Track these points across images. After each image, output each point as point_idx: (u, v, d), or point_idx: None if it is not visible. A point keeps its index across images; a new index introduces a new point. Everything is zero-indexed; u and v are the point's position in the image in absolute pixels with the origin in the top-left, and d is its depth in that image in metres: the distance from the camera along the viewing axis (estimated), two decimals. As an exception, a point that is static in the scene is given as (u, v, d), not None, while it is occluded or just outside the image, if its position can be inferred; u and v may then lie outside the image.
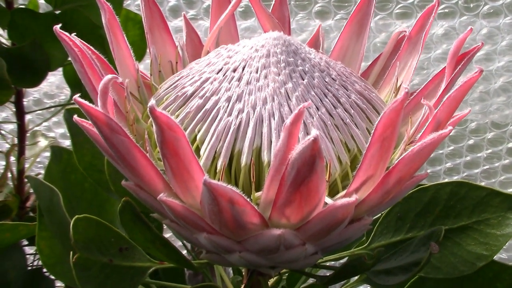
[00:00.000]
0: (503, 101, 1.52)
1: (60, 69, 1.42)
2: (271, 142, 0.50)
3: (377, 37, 1.51)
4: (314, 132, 0.38)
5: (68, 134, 0.86)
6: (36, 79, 1.39)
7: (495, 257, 0.69)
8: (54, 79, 1.91)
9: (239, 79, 0.53)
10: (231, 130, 0.50)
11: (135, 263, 0.66)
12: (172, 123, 0.41)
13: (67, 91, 1.91)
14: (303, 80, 0.53)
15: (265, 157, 0.50)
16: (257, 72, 0.53)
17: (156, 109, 0.39)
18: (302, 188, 0.42)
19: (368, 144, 0.45)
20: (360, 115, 0.54)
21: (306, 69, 0.54)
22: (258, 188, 0.51)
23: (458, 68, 0.56)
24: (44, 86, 1.86)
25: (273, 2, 0.72)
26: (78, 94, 0.44)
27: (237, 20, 0.71)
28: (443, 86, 0.57)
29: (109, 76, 0.44)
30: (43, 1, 1.35)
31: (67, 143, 2.10)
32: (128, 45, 0.63)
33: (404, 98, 0.42)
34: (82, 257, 0.60)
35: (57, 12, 1.31)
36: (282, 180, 0.43)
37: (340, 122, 0.52)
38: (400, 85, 0.62)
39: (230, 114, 0.51)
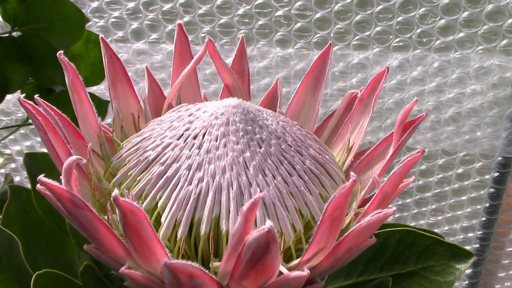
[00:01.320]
0: (452, 130, 1.59)
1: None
2: (229, 211, 0.52)
3: (335, 66, 1.56)
4: (268, 223, 0.41)
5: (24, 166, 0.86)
6: (-6, 102, 1.38)
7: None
8: (11, 97, 1.87)
9: (199, 147, 0.55)
10: (191, 199, 0.53)
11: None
12: (134, 208, 0.43)
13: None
14: (261, 148, 0.56)
15: (223, 226, 0.52)
16: (216, 141, 0.56)
17: (119, 198, 0.41)
18: (257, 266, 0.45)
19: (319, 221, 0.48)
20: (314, 180, 0.57)
21: (264, 136, 0.57)
22: (217, 254, 0.53)
23: (404, 136, 0.60)
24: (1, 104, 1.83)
25: (233, 56, 0.75)
26: (43, 175, 0.45)
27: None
28: (390, 151, 0.61)
29: (73, 157, 0.46)
30: (1, 20, 1.34)
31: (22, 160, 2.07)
32: (91, 102, 0.64)
33: (351, 185, 0.45)
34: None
35: (16, 35, 1.31)
36: (239, 258, 0.45)
37: (294, 190, 0.55)
38: (352, 145, 0.66)
39: (190, 183, 0.53)
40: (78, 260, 0.93)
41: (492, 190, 1.65)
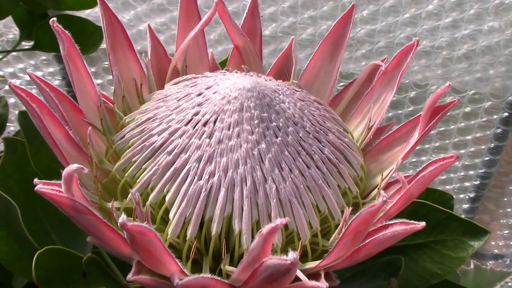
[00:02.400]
0: (464, 67, 1.53)
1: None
2: (242, 209, 0.49)
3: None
4: (292, 255, 0.37)
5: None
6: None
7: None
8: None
9: (210, 136, 0.51)
10: (201, 196, 0.49)
11: (98, 282, 0.66)
12: (144, 230, 0.39)
13: (15, 30, 1.79)
14: (277, 138, 0.51)
15: (236, 225, 0.49)
16: (229, 129, 0.51)
17: (126, 224, 0.38)
18: (274, 283, 0.42)
19: (341, 234, 0.44)
20: (332, 171, 0.53)
21: (280, 124, 0.52)
22: (228, 249, 0.50)
23: (432, 123, 0.55)
24: (-10, 25, 1.74)
25: (244, 14, 0.68)
26: (40, 185, 0.41)
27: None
28: (415, 136, 0.56)
29: (74, 166, 0.41)
30: None
31: (17, 82, 2.01)
32: (89, 71, 0.58)
33: (380, 205, 0.41)
34: (45, 293, 0.59)
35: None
36: (255, 272, 0.43)
37: (312, 184, 0.51)
38: (373, 125, 0.61)
39: (200, 178, 0.49)
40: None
41: (498, 130, 1.62)
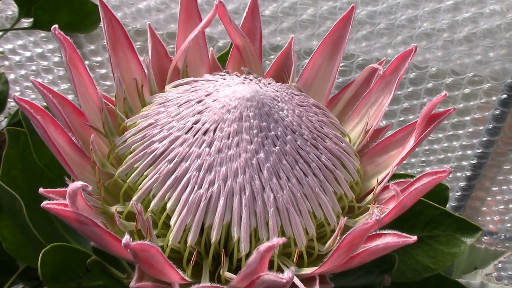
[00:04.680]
0: (465, 50, 1.52)
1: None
2: (241, 217, 0.51)
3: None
4: (288, 274, 0.39)
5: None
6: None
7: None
8: (-2, -4, 1.78)
9: (210, 145, 0.52)
10: (201, 205, 0.50)
11: (102, 280, 0.68)
12: (146, 247, 0.41)
13: (14, 7, 1.78)
14: (275, 147, 0.53)
15: (235, 233, 0.51)
16: (228, 139, 0.52)
17: (130, 244, 0.39)
18: (270, 292, 0.44)
19: (336, 246, 0.46)
20: (329, 178, 0.55)
21: (279, 133, 0.53)
22: (227, 253, 0.52)
23: (427, 130, 0.56)
24: (-11, 2, 1.73)
25: (244, 14, 0.68)
26: (45, 201, 0.43)
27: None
28: (411, 142, 0.58)
29: (78, 184, 0.43)
30: None
31: (16, 58, 2.00)
32: (90, 75, 0.59)
33: (374, 224, 0.43)
34: (51, 290, 0.61)
35: None
36: (252, 284, 0.44)
37: (309, 191, 0.53)
38: (370, 129, 0.62)
39: (200, 186, 0.51)
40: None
41: (497, 112, 1.63)
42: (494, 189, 1.93)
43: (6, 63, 2.02)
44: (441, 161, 1.91)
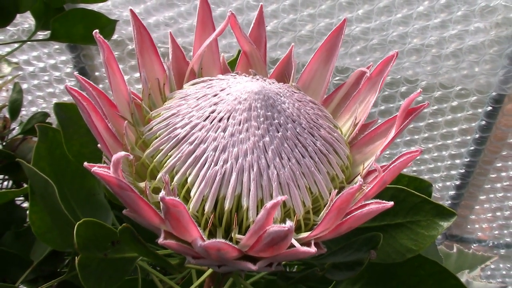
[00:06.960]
0: (452, 65, 1.64)
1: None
2: (249, 190, 0.61)
3: (343, -3, 1.56)
4: (289, 224, 0.49)
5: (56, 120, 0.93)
6: (5, 21, 1.41)
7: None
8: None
9: (224, 130, 0.63)
10: (217, 179, 0.61)
11: (126, 254, 0.78)
12: (177, 203, 0.51)
13: (31, 20, 1.89)
14: (278, 133, 0.63)
15: (244, 203, 0.61)
16: (240, 125, 0.63)
17: (165, 198, 0.50)
18: (274, 246, 0.55)
19: (328, 210, 0.57)
20: (323, 160, 0.65)
21: (281, 121, 0.64)
22: (237, 223, 0.63)
23: (406, 122, 0.67)
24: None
25: (252, 25, 0.79)
26: (95, 167, 0.53)
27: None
28: (392, 133, 0.68)
29: (122, 153, 0.53)
30: None
31: (30, 69, 2.12)
32: (122, 73, 0.70)
33: (357, 189, 0.53)
34: (83, 257, 0.71)
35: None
36: (260, 238, 0.55)
37: (306, 170, 0.63)
38: (358, 122, 0.73)
39: (216, 164, 0.61)
40: (99, 189, 1.03)
41: (483, 122, 1.74)
42: (482, 197, 2.03)
43: (20, 73, 2.13)
44: (431, 171, 2.02)
